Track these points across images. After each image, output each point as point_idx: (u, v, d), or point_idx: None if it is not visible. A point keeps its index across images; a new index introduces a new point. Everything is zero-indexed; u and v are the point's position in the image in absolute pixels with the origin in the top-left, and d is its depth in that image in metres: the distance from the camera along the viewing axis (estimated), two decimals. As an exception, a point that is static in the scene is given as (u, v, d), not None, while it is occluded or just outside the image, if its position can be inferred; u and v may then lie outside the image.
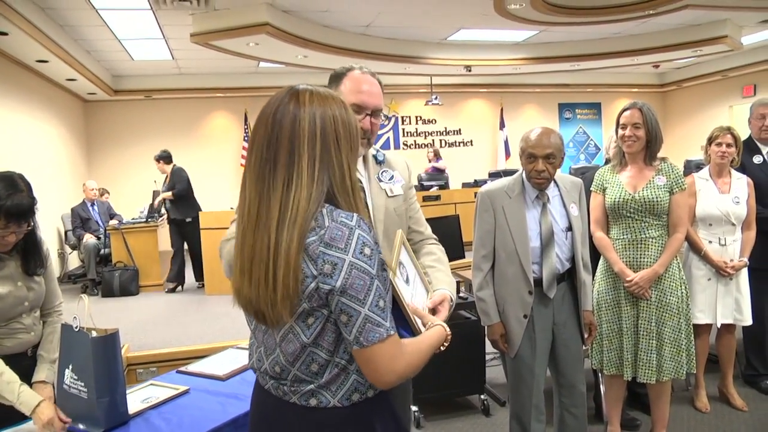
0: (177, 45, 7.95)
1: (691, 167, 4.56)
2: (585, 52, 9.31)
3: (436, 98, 10.60)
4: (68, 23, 6.72)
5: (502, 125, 12.11)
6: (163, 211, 7.43)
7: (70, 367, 1.83)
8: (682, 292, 2.80)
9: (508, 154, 11.90)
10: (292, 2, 6.69)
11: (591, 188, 2.93)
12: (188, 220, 7.04)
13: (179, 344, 4.45)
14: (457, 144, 12.21)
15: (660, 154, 2.83)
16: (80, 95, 9.69)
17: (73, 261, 8.18)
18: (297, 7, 6.92)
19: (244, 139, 10.83)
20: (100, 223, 7.62)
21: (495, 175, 8.66)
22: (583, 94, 12.52)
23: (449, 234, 3.80)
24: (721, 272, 3.19)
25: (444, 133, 12.15)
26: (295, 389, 1.20)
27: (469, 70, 9.74)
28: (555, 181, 2.47)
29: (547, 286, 2.40)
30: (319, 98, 1.18)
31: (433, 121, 12.07)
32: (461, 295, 3.48)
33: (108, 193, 8.66)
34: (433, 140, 12.05)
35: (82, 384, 1.79)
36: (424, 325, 1.32)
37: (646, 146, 2.77)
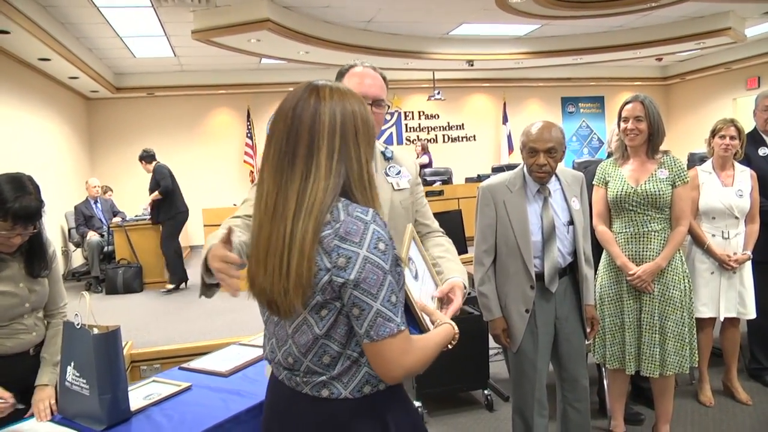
0: (178, 42, 7.96)
1: (695, 160, 4.54)
2: (587, 45, 9.26)
3: (438, 93, 10.57)
4: (70, 21, 6.73)
5: (505, 120, 12.07)
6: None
7: (72, 364, 1.83)
8: (685, 286, 2.79)
9: (511, 148, 11.84)
10: (293, -2, 6.70)
11: (593, 182, 2.92)
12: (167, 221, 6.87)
13: (182, 341, 4.46)
14: (460, 139, 12.19)
15: (664, 147, 2.81)
16: (83, 93, 9.71)
17: (77, 258, 8.22)
18: (298, 2, 6.91)
19: (247, 136, 10.84)
20: (103, 220, 7.64)
21: (498, 169, 8.64)
22: (586, 87, 12.48)
23: (452, 229, 3.74)
24: (725, 266, 3.17)
25: (447, 128, 12.12)
26: (308, 380, 1.22)
27: (472, 65, 9.72)
28: (556, 175, 2.46)
29: (548, 281, 2.39)
30: (338, 93, 1.20)
31: (436, 116, 12.04)
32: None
33: (111, 190, 8.68)
34: (435, 135, 12.03)
35: (84, 381, 1.79)
36: (433, 323, 1.32)
37: (648, 139, 2.75)
